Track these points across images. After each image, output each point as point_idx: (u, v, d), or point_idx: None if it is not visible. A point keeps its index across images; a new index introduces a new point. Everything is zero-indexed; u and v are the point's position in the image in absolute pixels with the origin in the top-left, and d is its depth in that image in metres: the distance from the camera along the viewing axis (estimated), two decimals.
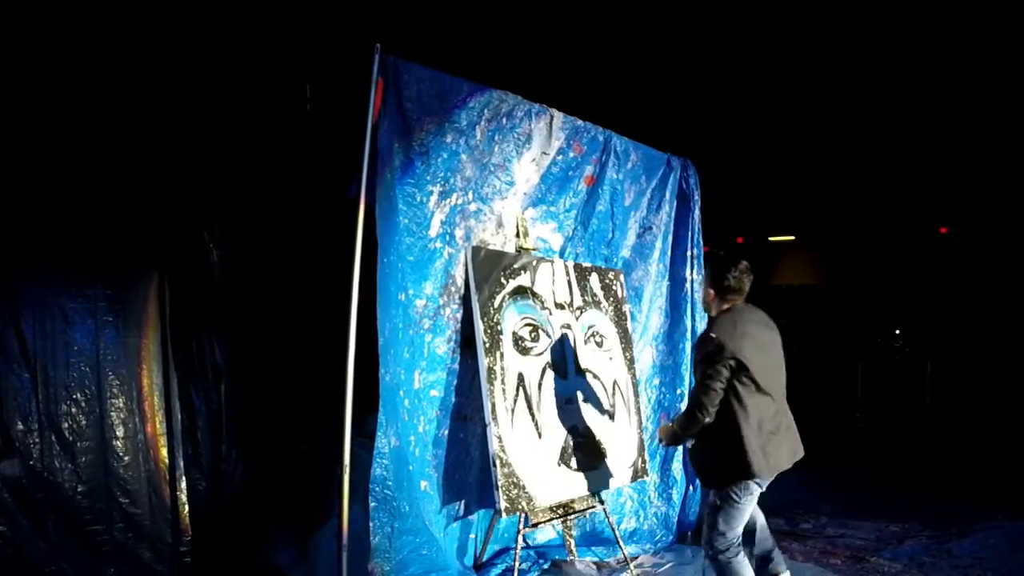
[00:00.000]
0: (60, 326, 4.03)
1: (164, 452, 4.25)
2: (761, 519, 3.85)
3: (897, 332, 10.52)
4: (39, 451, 3.90)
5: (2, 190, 3.88)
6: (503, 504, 3.94)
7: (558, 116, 4.59)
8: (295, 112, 5.02)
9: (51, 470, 3.92)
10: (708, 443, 3.59)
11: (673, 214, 5.49)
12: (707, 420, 3.45)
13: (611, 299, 5.02)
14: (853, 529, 5.57)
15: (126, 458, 4.13)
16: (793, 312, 11.78)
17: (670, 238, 5.49)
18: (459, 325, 4.18)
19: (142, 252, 4.37)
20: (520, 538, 4.15)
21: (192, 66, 4.65)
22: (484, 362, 4.06)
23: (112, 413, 4.14)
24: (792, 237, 12.68)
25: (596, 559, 4.85)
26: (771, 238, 12.72)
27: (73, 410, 4.03)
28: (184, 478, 4.28)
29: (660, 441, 4.06)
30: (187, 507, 4.25)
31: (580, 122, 4.75)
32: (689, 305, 5.46)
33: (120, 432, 4.14)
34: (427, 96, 3.88)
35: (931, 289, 10.74)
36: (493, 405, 4.04)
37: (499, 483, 3.95)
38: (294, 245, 4.91)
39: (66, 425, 3.99)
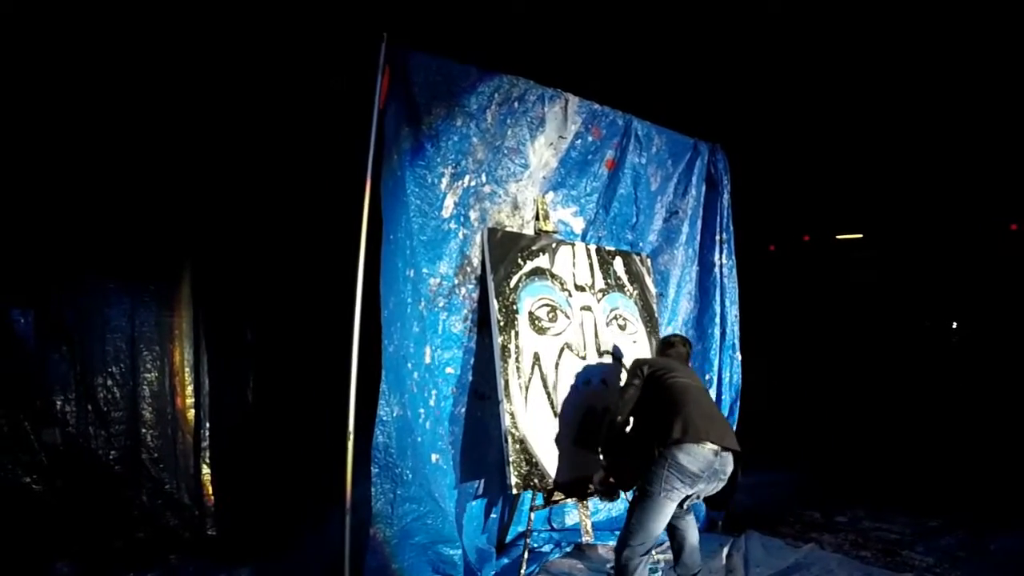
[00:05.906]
0: (97, 304, 4.28)
1: (192, 424, 4.46)
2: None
3: (955, 326, 10.18)
4: (75, 419, 4.15)
5: (38, 179, 4.13)
6: (513, 479, 3.97)
7: (573, 100, 4.61)
8: (327, 107, 5.15)
9: (86, 437, 4.16)
10: None
11: (701, 199, 5.45)
12: None
13: (636, 283, 5.00)
14: (890, 523, 5.37)
15: (156, 428, 4.35)
16: (859, 308, 11.58)
17: (699, 223, 5.45)
18: (475, 305, 4.26)
19: (177, 237, 4.58)
20: (531, 515, 4.16)
21: (234, 74, 4.85)
22: (498, 340, 4.12)
23: (144, 386, 4.37)
24: (860, 235, 12.36)
25: None
26: (839, 236, 12.44)
27: (108, 382, 4.27)
28: (209, 450, 4.48)
29: None
30: (211, 476, 4.44)
31: (598, 106, 4.76)
32: (718, 290, 5.40)
33: (151, 404, 4.37)
34: (435, 82, 3.96)
35: (1000, 285, 10.33)
36: (506, 383, 4.09)
37: (510, 459, 3.98)
38: (327, 232, 5.04)
39: (101, 396, 4.23)
